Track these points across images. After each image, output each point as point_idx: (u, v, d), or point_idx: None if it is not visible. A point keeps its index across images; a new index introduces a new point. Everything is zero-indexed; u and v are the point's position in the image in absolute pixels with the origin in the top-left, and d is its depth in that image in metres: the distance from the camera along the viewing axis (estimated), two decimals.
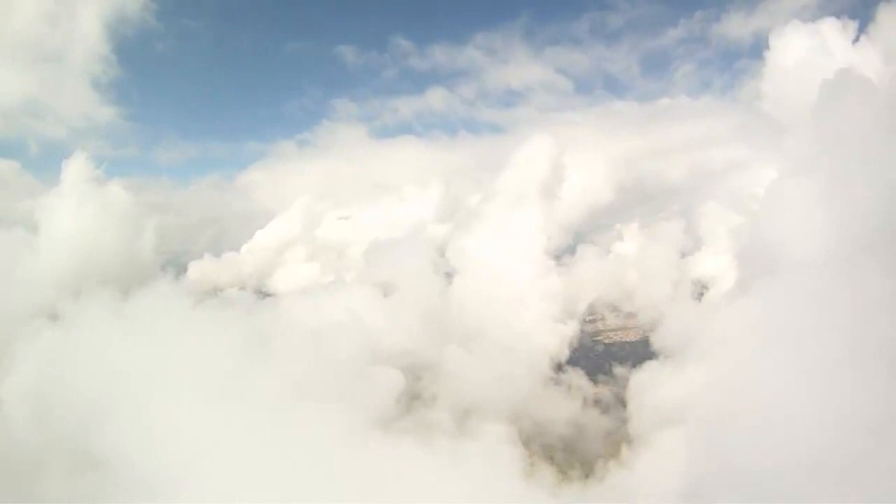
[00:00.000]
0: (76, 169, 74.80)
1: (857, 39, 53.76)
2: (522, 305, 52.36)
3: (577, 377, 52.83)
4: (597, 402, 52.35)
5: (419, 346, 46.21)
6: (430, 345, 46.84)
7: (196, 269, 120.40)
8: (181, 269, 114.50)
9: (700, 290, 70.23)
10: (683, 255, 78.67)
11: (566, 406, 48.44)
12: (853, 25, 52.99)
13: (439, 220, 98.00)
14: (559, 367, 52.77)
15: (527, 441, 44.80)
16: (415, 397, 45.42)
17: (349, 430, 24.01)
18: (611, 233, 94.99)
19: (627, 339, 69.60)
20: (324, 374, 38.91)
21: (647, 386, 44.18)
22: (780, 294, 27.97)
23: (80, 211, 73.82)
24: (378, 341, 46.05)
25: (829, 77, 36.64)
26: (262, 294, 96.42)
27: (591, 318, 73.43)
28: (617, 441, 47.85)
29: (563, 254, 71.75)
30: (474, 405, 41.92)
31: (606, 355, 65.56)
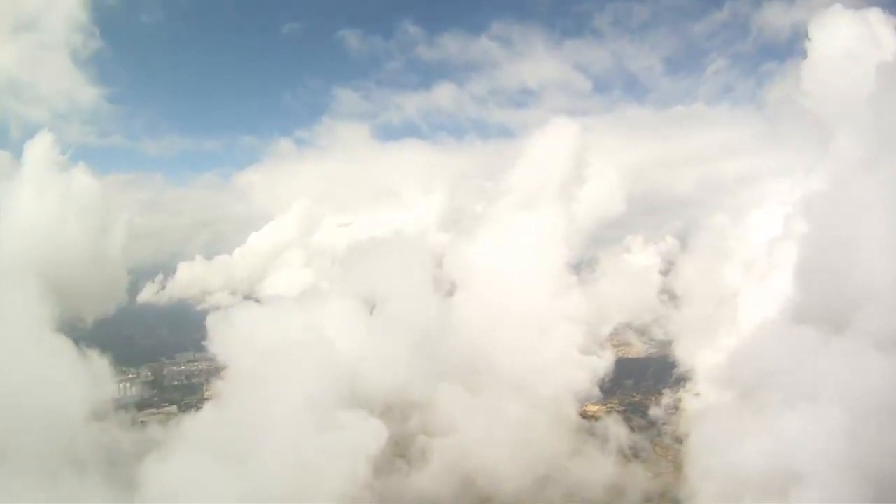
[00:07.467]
0: (38, 151, 66.00)
1: None
2: (540, 331, 41.01)
3: (611, 423, 41.22)
4: (635, 456, 40.73)
5: (407, 381, 34.85)
6: (422, 380, 35.42)
7: (185, 272, 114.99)
8: (170, 271, 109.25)
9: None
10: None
11: (599, 463, 36.79)
12: (894, 22, 46.17)
13: (442, 228, 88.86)
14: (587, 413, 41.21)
15: None
16: (400, 453, 33.97)
17: None
18: (617, 246, 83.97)
19: (662, 373, 57.90)
20: (266, 425, 27.88)
21: (710, 439, 32.82)
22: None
23: (38, 199, 64.65)
24: (354, 372, 35.24)
25: (888, 60, 31.51)
26: (251, 299, 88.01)
27: (615, 345, 61.83)
28: None
29: (579, 268, 61.56)
30: (478, 469, 30.41)
31: (638, 393, 54.01)
